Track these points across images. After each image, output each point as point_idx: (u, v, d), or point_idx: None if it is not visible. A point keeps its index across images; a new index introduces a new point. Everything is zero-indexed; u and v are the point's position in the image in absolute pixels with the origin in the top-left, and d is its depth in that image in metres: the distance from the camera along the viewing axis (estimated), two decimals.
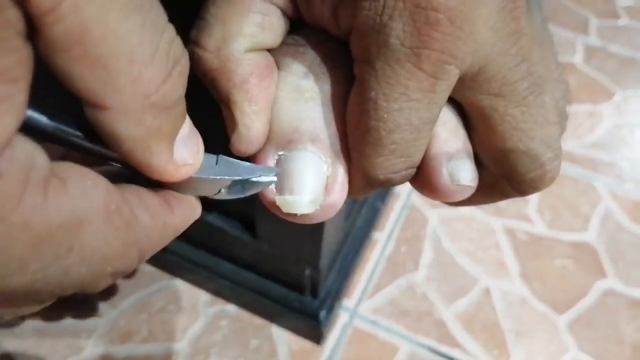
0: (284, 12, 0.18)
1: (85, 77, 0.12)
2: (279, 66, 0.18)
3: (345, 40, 0.18)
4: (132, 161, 0.15)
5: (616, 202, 0.83)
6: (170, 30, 0.14)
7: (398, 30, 0.16)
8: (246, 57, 0.17)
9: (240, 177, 0.17)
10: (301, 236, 0.53)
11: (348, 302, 0.68)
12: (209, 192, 0.17)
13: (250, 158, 0.19)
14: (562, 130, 0.20)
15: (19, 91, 0.11)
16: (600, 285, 0.73)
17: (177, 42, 0.14)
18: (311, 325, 0.62)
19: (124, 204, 0.14)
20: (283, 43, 0.19)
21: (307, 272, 0.58)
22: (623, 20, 1.18)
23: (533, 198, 0.82)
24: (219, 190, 0.17)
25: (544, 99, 0.18)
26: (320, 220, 0.19)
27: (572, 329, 0.69)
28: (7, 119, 0.11)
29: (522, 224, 0.79)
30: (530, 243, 0.77)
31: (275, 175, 0.17)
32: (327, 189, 0.18)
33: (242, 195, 0.18)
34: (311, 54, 0.19)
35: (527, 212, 0.81)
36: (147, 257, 0.16)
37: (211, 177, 0.17)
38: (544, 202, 0.82)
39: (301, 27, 0.19)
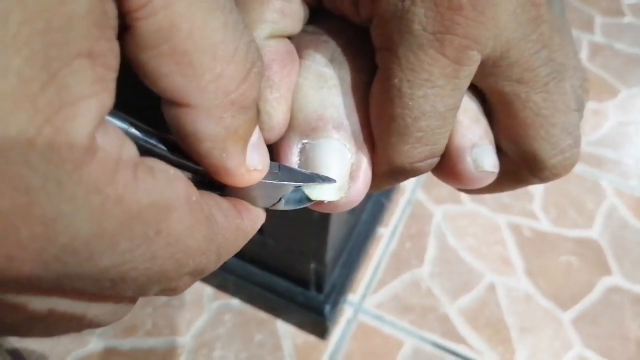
0: None
1: (171, 74, 0.13)
2: (301, 55, 0.18)
3: (366, 28, 0.18)
4: (208, 161, 0.15)
5: (621, 199, 0.83)
6: (247, 32, 0.14)
7: (420, 16, 0.16)
8: (267, 44, 0.17)
9: (303, 183, 0.17)
10: (307, 231, 0.53)
11: (352, 297, 0.68)
12: (270, 201, 0.17)
13: (274, 146, 0.18)
14: (581, 117, 0.20)
15: (111, 79, 0.11)
16: (605, 281, 0.73)
17: (254, 44, 0.14)
18: (316, 319, 0.62)
19: (203, 200, 0.15)
20: (304, 31, 0.19)
21: (312, 266, 0.58)
22: (628, 18, 1.17)
23: (538, 195, 0.82)
24: (279, 199, 0.17)
25: (564, 85, 0.18)
26: (345, 209, 0.19)
27: (577, 325, 0.68)
28: (103, 95, 0.11)
29: (527, 220, 0.79)
30: (535, 239, 0.77)
31: (330, 182, 0.17)
32: (352, 176, 0.18)
33: (298, 207, 0.18)
34: (333, 43, 0.19)
35: (532, 208, 0.80)
36: (224, 259, 0.16)
37: (275, 182, 0.17)
38: (549, 199, 0.82)
39: (322, 14, 0.19)
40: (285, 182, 0.17)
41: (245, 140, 0.15)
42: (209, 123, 0.14)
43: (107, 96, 0.11)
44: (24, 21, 0.09)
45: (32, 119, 0.09)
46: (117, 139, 0.12)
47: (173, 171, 0.13)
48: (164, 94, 0.13)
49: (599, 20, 1.16)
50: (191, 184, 0.14)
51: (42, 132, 0.10)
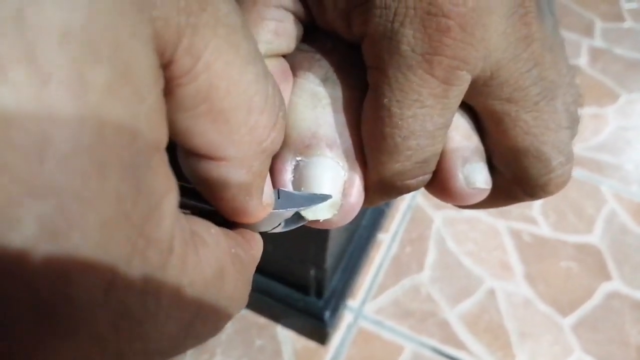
0: (298, 17, 0.18)
1: (206, 132, 0.13)
2: (295, 73, 0.19)
3: (359, 46, 0.18)
4: (230, 205, 0.15)
5: (621, 204, 0.83)
6: (271, 75, 0.14)
7: (409, 37, 0.16)
8: None
9: (303, 207, 0.17)
10: (306, 237, 0.53)
11: (352, 302, 0.68)
12: (270, 226, 0.18)
13: None
14: (574, 134, 0.20)
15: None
16: (605, 287, 0.73)
17: (277, 85, 0.15)
18: (316, 325, 0.62)
19: (232, 244, 0.15)
20: (298, 49, 0.19)
21: (312, 272, 0.58)
22: (628, 23, 1.18)
23: (538, 200, 0.82)
24: (279, 224, 0.18)
25: (555, 104, 0.18)
26: (339, 225, 0.19)
27: (577, 331, 0.68)
28: (174, 185, 0.11)
29: (527, 225, 0.79)
30: (535, 245, 0.77)
31: (327, 200, 0.18)
32: (345, 193, 0.18)
33: (296, 226, 0.18)
34: (327, 61, 0.19)
35: (532, 213, 0.81)
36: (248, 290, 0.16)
37: (281, 210, 0.17)
38: (548, 204, 0.82)
39: (315, 33, 0.19)
40: (289, 209, 0.17)
41: (265, 180, 0.15)
42: (239, 172, 0.14)
43: (175, 184, 0.11)
44: (112, 144, 0.09)
45: (128, 237, 0.09)
46: (176, 217, 0.11)
47: (213, 229, 0.13)
48: (197, 150, 0.13)
49: (599, 25, 1.16)
50: (226, 233, 0.14)
51: (137, 247, 0.09)
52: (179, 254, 0.11)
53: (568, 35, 1.13)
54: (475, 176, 0.19)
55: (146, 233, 0.10)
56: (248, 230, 0.17)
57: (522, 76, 0.17)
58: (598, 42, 1.12)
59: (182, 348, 0.12)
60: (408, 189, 0.18)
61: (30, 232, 0.08)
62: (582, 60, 1.08)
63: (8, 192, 0.08)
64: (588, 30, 1.15)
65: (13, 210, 0.08)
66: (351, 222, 0.59)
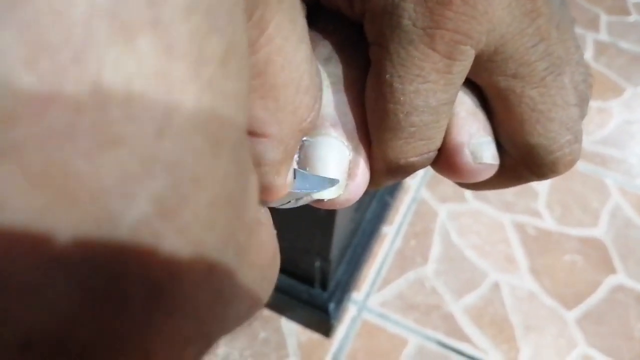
0: None
1: (253, 108, 0.12)
2: None
3: (361, 24, 0.18)
4: (260, 182, 0.15)
5: (626, 198, 0.82)
6: (314, 57, 0.14)
7: (410, 11, 0.16)
8: None
9: (316, 190, 0.17)
10: (312, 228, 0.53)
11: (357, 295, 0.68)
12: (280, 203, 0.17)
13: None
14: (583, 114, 0.19)
15: None
16: (610, 280, 0.73)
17: (318, 66, 0.14)
18: (320, 317, 0.62)
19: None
20: None
21: (317, 264, 0.58)
22: (633, 17, 1.17)
23: (542, 193, 0.82)
24: (289, 202, 0.18)
25: (563, 80, 0.17)
26: (343, 206, 0.19)
27: (581, 324, 0.68)
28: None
29: (532, 219, 0.79)
30: (539, 238, 0.77)
31: (337, 184, 0.18)
32: (350, 173, 0.18)
33: (307, 203, 0.18)
34: (331, 40, 0.19)
35: (537, 207, 0.80)
36: None
37: (297, 191, 0.17)
38: (553, 198, 0.82)
39: (319, 12, 0.19)
40: (303, 190, 0.17)
41: (293, 159, 0.15)
42: (276, 151, 0.14)
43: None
44: (224, 121, 0.09)
45: (229, 219, 0.09)
46: None
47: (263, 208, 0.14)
48: None
49: (604, 18, 1.16)
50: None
51: (233, 228, 0.10)
52: (255, 235, 0.11)
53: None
54: (482, 151, 0.18)
55: (240, 214, 0.10)
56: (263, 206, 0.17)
57: (528, 51, 0.17)
58: (603, 35, 1.12)
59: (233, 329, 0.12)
60: (413, 167, 0.18)
61: (144, 209, 0.08)
62: (587, 54, 1.08)
63: (125, 167, 0.07)
64: (593, 24, 1.14)
65: (129, 187, 0.07)
66: (356, 211, 0.59)
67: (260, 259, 0.11)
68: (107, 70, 0.07)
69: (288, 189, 0.16)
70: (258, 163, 0.14)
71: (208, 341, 0.10)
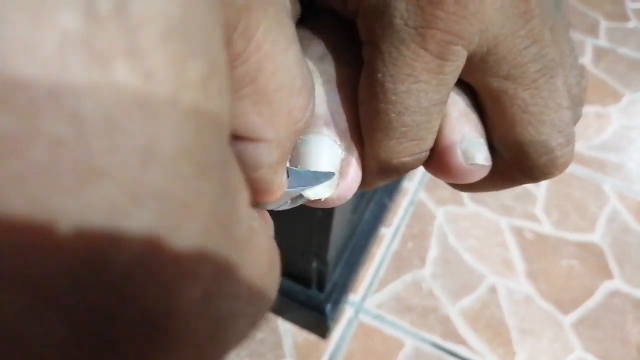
0: None
1: (247, 114, 0.12)
2: None
3: (355, 23, 0.18)
4: (254, 185, 0.15)
5: (623, 203, 0.83)
6: (304, 58, 0.14)
7: (402, 10, 0.16)
8: None
9: (311, 186, 0.17)
10: (309, 229, 0.53)
11: (354, 296, 0.68)
12: (277, 205, 0.17)
13: None
14: (577, 117, 0.19)
15: None
16: (606, 285, 0.73)
17: (308, 66, 0.14)
18: (317, 318, 0.62)
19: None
20: (296, 28, 0.19)
21: (314, 265, 0.58)
22: (633, 23, 1.17)
23: (540, 198, 0.82)
24: (285, 202, 0.17)
25: (555, 82, 0.17)
26: (334, 205, 0.19)
27: (578, 328, 0.68)
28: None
29: (529, 223, 0.79)
30: (536, 242, 0.77)
31: (332, 177, 0.18)
32: (341, 172, 0.18)
33: (298, 204, 0.18)
34: (326, 38, 0.19)
35: (534, 211, 0.80)
36: None
37: (291, 190, 0.17)
38: (551, 202, 0.82)
39: (313, 11, 0.19)
40: (298, 188, 0.17)
41: (288, 158, 0.15)
42: (273, 153, 0.14)
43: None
44: (208, 143, 0.09)
45: (220, 241, 0.09)
46: None
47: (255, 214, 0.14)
48: (235, 132, 0.13)
49: (603, 24, 1.16)
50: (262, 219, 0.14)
51: (226, 249, 0.09)
52: (249, 248, 0.11)
53: (572, 34, 1.13)
54: (474, 152, 0.18)
55: (232, 233, 0.09)
56: (261, 210, 0.17)
57: (520, 53, 0.17)
58: (602, 41, 1.12)
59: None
60: (405, 167, 0.18)
61: (135, 244, 0.07)
62: (586, 60, 1.08)
63: (112, 201, 0.07)
64: (592, 30, 1.15)
65: (118, 221, 0.07)
66: (354, 213, 0.59)
67: (257, 270, 0.11)
68: (85, 102, 0.07)
69: (284, 188, 0.16)
70: (255, 167, 0.14)
71: None
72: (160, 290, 0.08)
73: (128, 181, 0.07)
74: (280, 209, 0.18)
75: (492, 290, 0.71)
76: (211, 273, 0.09)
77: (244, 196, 0.10)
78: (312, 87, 0.14)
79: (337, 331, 0.65)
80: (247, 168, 0.14)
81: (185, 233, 0.08)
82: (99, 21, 0.07)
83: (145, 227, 0.07)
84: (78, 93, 0.07)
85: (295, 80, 0.13)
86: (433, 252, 0.74)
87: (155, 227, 0.08)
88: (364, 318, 0.66)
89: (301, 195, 0.18)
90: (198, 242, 0.08)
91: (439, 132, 0.18)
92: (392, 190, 0.77)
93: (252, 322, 0.11)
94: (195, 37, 0.08)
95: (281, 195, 0.17)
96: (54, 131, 0.07)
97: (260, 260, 0.11)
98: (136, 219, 0.07)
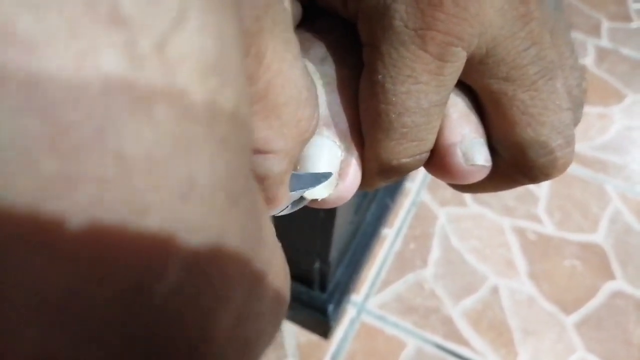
0: None
1: (258, 129, 0.13)
2: None
3: (355, 25, 0.18)
4: (263, 195, 0.15)
5: (626, 204, 0.83)
6: (307, 68, 0.14)
7: (402, 12, 0.16)
8: None
9: (312, 188, 0.17)
10: (312, 230, 0.53)
11: (356, 297, 0.68)
12: (279, 210, 0.18)
13: None
14: (577, 118, 0.19)
15: None
16: (609, 286, 0.73)
17: (310, 75, 0.15)
18: (319, 318, 0.62)
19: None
20: (297, 30, 0.19)
21: (316, 265, 0.58)
22: (635, 23, 1.17)
23: (542, 198, 0.82)
24: (287, 207, 0.18)
25: (555, 84, 0.18)
26: (334, 205, 0.19)
27: (580, 329, 0.68)
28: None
29: (532, 224, 0.79)
30: (539, 243, 0.77)
31: (330, 177, 0.18)
32: (341, 173, 0.18)
33: (299, 207, 0.18)
34: (327, 40, 0.19)
35: (537, 212, 0.80)
36: None
37: (292, 193, 0.17)
38: (553, 203, 0.82)
39: (314, 12, 0.19)
40: (299, 191, 0.17)
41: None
42: (282, 163, 0.14)
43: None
44: (241, 174, 0.09)
45: (248, 265, 0.09)
46: None
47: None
48: None
49: (605, 25, 1.16)
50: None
51: (255, 274, 0.10)
52: (273, 264, 0.11)
53: (574, 34, 1.12)
54: (474, 153, 0.18)
55: (260, 255, 0.10)
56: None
57: (520, 54, 0.17)
58: (605, 42, 1.12)
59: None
60: (405, 169, 0.18)
61: (175, 278, 0.08)
62: (588, 60, 1.08)
63: (153, 238, 0.07)
64: (595, 30, 1.15)
65: (159, 258, 0.07)
66: (356, 214, 0.59)
67: (278, 285, 0.11)
68: (128, 143, 0.07)
69: (289, 194, 0.16)
70: (265, 177, 0.14)
71: None
72: (199, 317, 0.08)
73: (169, 216, 0.07)
74: (281, 213, 0.18)
75: (495, 290, 0.71)
76: (243, 296, 0.09)
77: (267, 216, 0.11)
78: (316, 96, 0.14)
79: (339, 331, 0.65)
80: (257, 179, 0.14)
81: (219, 261, 0.08)
82: (140, 61, 0.07)
83: (186, 260, 0.08)
84: (120, 134, 0.07)
85: (302, 92, 0.13)
86: (435, 253, 0.74)
87: (194, 261, 0.08)
88: (366, 318, 0.67)
89: (302, 199, 0.18)
90: (231, 267, 0.09)
91: (439, 133, 0.18)
92: (394, 191, 0.77)
93: (271, 338, 0.12)
94: (227, 69, 0.08)
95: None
96: (98, 172, 0.07)
97: (280, 275, 0.12)
98: (177, 252, 0.08)
